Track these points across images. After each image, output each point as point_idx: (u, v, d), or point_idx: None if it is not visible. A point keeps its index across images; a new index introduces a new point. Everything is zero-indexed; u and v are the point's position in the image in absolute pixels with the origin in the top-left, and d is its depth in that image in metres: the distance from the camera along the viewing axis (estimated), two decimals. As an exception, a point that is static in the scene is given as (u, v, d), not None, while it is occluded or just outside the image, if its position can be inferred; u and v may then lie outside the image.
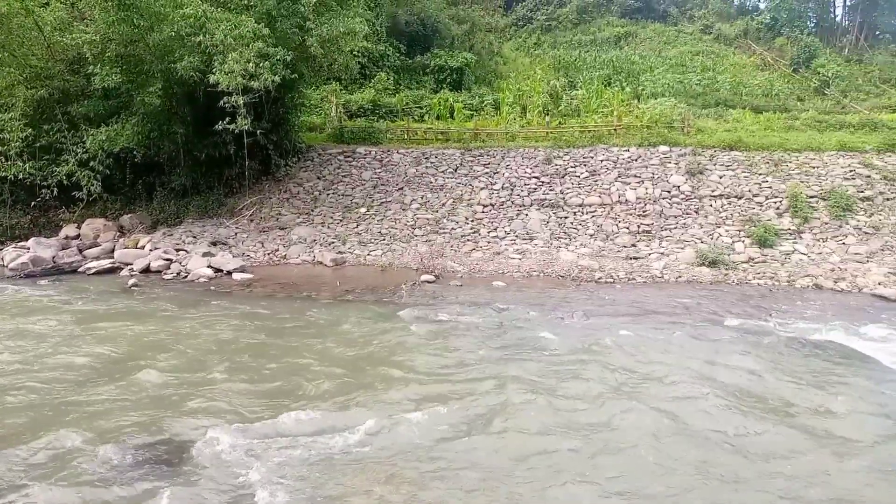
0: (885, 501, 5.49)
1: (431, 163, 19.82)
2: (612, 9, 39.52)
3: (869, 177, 17.81)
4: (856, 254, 15.40)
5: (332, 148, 20.76)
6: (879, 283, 13.82)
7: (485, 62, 30.54)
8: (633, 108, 22.91)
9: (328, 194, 19.17)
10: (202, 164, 18.55)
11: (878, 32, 36.43)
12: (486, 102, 25.41)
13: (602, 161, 18.98)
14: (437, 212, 18.24)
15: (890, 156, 18.74)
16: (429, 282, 14.18)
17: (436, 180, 19.26)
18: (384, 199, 18.85)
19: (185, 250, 16.21)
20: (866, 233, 16.13)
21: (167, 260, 15.39)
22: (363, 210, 18.50)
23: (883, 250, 15.53)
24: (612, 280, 14.45)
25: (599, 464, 5.92)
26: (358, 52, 18.82)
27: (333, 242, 17.06)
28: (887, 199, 17.13)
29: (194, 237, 17.26)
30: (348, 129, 21.60)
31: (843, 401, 7.47)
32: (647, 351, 9.25)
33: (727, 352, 9.32)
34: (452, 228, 17.72)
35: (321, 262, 15.93)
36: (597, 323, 10.91)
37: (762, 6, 37.72)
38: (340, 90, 24.37)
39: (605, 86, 27.49)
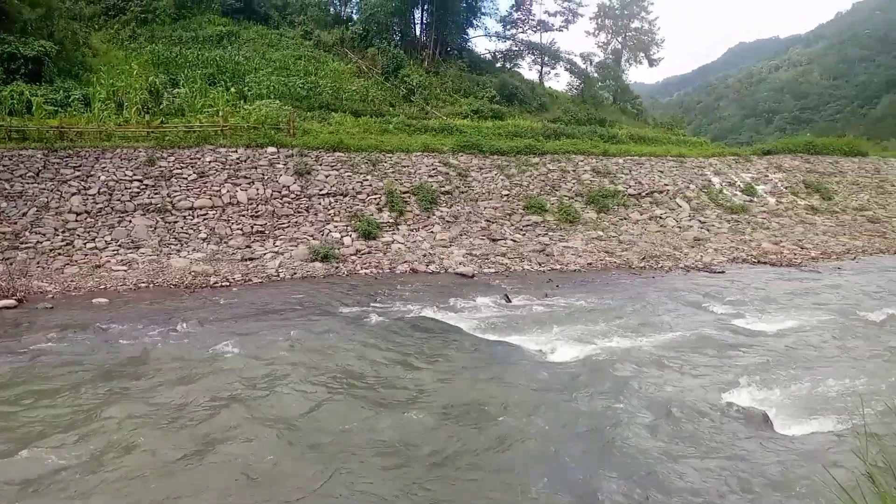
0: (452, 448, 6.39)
1: (5, 166, 16.73)
2: (214, 6, 38.57)
3: (448, 173, 20.74)
4: (441, 240, 17.79)
5: None
6: (460, 263, 16.22)
7: (69, 53, 26.92)
8: (240, 109, 22.70)
9: None
10: None
11: (449, 49, 42.53)
12: (73, 98, 22.42)
13: (210, 162, 18.37)
14: (15, 223, 15.50)
15: (462, 155, 22.09)
16: (8, 308, 11.99)
17: (11, 186, 16.32)
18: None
19: None
20: (448, 221, 18.76)
21: None
22: None
23: (461, 235, 18.25)
24: (228, 283, 14.13)
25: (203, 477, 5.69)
26: None
27: None
28: (462, 192, 20.17)
29: None
30: None
31: (428, 365, 8.51)
32: (263, 351, 9.21)
33: (339, 339, 9.83)
34: (38, 242, 15.24)
35: None
36: (211, 329, 10.50)
37: (356, 17, 40.89)
38: None
39: (209, 85, 26.65)
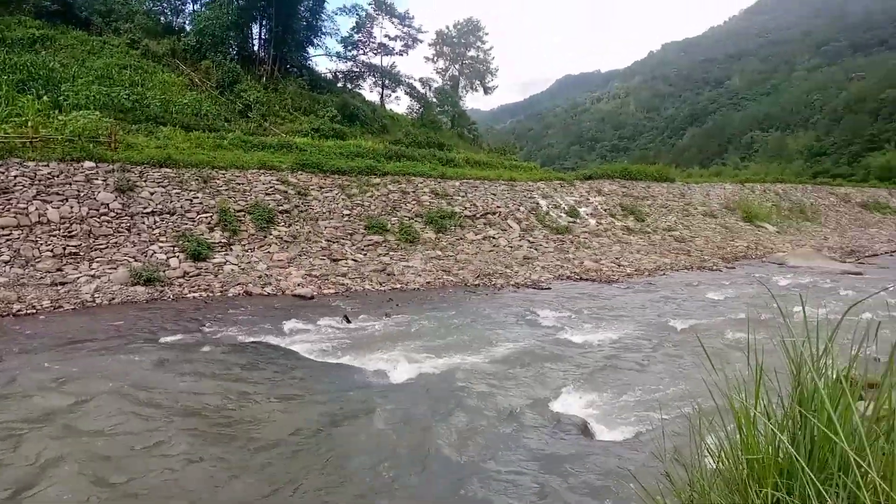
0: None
1: None
2: (26, 7, 35.02)
3: (286, 192, 20.31)
4: (279, 260, 17.34)
5: None
6: (298, 285, 15.88)
7: None
8: (53, 120, 20.73)
9: None
10: None
11: (289, 66, 41.83)
12: None
13: (17, 177, 16.54)
14: None
15: (302, 173, 21.75)
16: None
17: None
18: None
19: None
20: (286, 241, 18.34)
21: None
22: None
23: (300, 256, 17.91)
24: (35, 311, 12.75)
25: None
26: None
27: None
28: (301, 212, 19.84)
29: None
30: None
31: (260, 393, 8.23)
32: (74, 385, 8.39)
33: (162, 370, 9.22)
34: None
35: None
36: (12, 365, 9.40)
37: (189, 28, 38.99)
38: None
39: (18, 92, 24.11)
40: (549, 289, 17.56)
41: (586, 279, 19.22)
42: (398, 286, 17.09)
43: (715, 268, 22.28)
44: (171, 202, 17.77)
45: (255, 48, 40.84)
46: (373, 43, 50.54)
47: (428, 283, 17.62)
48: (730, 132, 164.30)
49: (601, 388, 8.61)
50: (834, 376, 2.23)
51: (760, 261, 24.96)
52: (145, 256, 15.86)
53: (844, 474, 1.96)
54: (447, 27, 61.73)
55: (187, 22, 40.47)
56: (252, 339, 11.19)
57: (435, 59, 62.01)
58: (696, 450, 2.58)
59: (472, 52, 62.04)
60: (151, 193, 17.74)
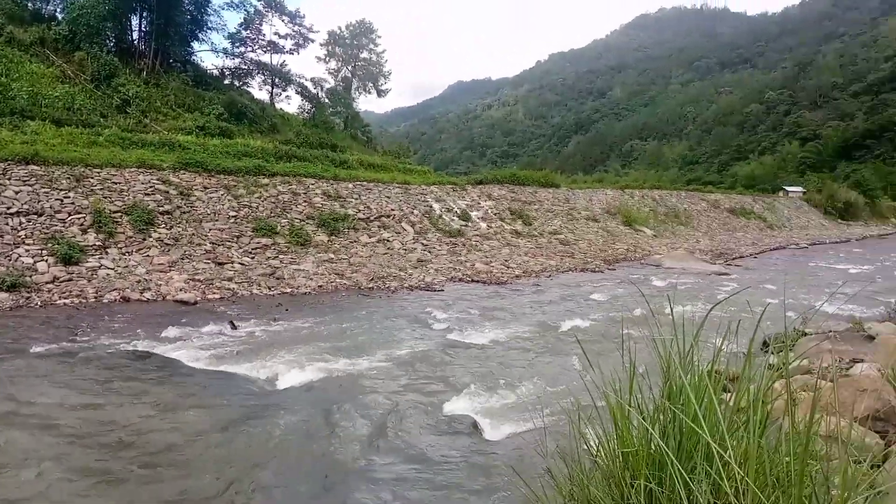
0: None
1: None
2: None
3: (167, 192, 19.34)
4: (160, 264, 16.47)
5: None
6: (181, 290, 15.15)
7: None
8: None
9: None
10: None
11: (172, 60, 39.87)
12: None
13: None
14: None
15: (184, 173, 20.79)
16: None
17: None
18: None
19: None
20: (168, 244, 17.46)
21: None
22: None
23: (183, 259, 17.10)
24: None
25: None
26: None
27: None
28: (184, 213, 18.96)
29: None
30: None
31: (137, 405, 7.78)
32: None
33: (30, 382, 8.52)
34: None
35: None
36: None
37: (61, 16, 36.28)
38: None
39: None
40: (442, 291, 17.74)
41: (478, 281, 19.57)
42: (289, 290, 16.69)
43: (597, 269, 23.33)
44: (39, 202, 16.44)
45: (135, 40, 38.62)
46: (262, 40, 49.12)
47: (320, 286, 17.32)
48: (611, 140, 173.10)
49: (490, 388, 8.78)
50: (699, 372, 2.39)
51: (639, 262, 26.38)
52: (9, 261, 14.53)
53: (708, 464, 2.10)
54: (339, 28, 61.08)
55: (59, 10, 37.62)
56: (130, 348, 10.55)
57: (327, 59, 61.18)
58: (575, 445, 2.69)
59: (364, 54, 61.70)
60: (16, 192, 16.33)
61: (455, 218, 27.22)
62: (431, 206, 27.11)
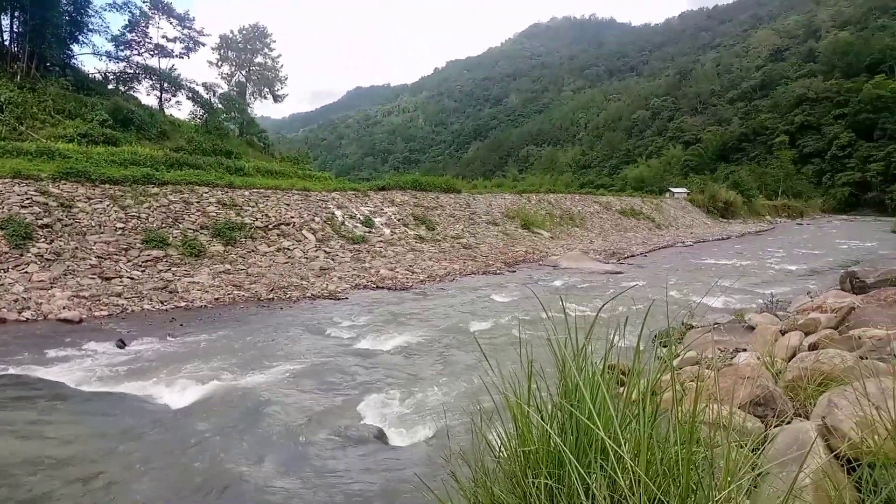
0: None
1: None
2: None
3: (47, 204, 18.07)
4: (40, 281, 15.33)
5: None
6: (64, 308, 14.16)
7: None
8: None
9: None
10: None
11: (49, 64, 37.37)
12: None
13: None
14: None
15: (65, 183, 19.51)
16: None
17: None
18: None
19: None
20: (48, 259, 16.29)
21: None
22: None
23: (66, 275, 16.00)
24: None
25: None
26: None
27: None
28: (66, 226, 17.77)
29: None
30: None
31: (22, 432, 7.22)
32: None
33: None
34: None
35: None
36: None
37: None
38: None
39: None
40: (346, 299, 17.52)
41: (382, 287, 19.48)
42: (183, 304, 15.97)
43: (498, 271, 23.79)
44: None
45: (7, 42, 35.96)
46: (149, 43, 46.99)
47: (217, 299, 16.69)
48: (509, 146, 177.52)
49: (396, 395, 8.75)
50: (593, 368, 2.47)
51: (538, 264, 27.12)
52: None
53: (604, 459, 2.17)
54: (232, 31, 59.40)
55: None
56: (9, 372, 9.76)
57: (220, 63, 59.29)
58: (478, 447, 2.71)
59: (259, 59, 60.23)
60: None
61: (358, 224, 26.99)
62: (333, 213, 26.76)
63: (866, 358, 4.79)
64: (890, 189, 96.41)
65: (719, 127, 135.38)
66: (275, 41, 59.95)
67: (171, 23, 47.27)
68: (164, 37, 48.31)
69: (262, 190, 25.70)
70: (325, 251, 23.21)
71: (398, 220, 29.47)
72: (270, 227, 23.20)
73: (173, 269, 18.39)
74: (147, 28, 46.74)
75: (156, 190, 21.78)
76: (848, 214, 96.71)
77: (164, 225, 20.20)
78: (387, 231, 27.72)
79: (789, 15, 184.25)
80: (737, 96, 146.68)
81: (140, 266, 17.92)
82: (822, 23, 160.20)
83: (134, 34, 46.16)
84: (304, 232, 24.05)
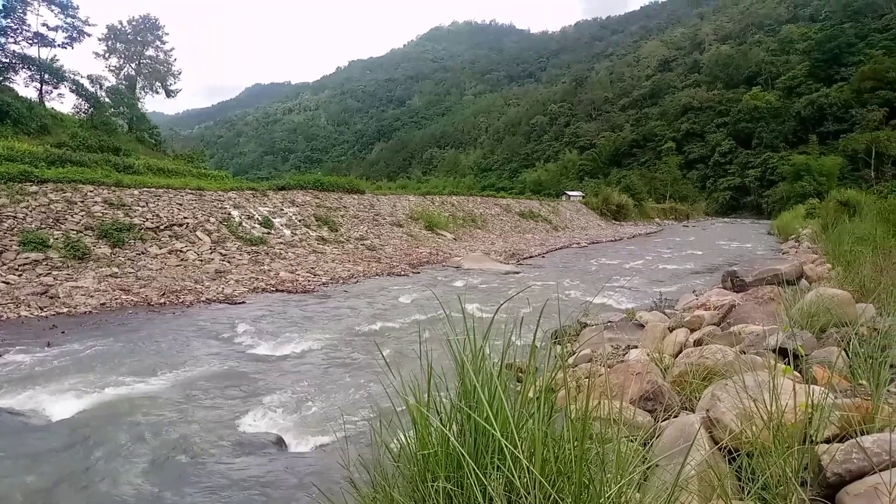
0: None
1: None
2: None
3: None
4: None
5: None
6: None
7: None
8: None
9: None
10: None
11: None
12: None
13: None
14: None
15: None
16: None
17: None
18: None
19: None
20: None
21: None
22: None
23: (-73, 280, 14.59)
24: None
25: None
26: None
27: None
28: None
29: None
30: None
31: None
32: None
33: None
34: None
35: None
36: None
37: None
38: None
39: None
40: (243, 303, 16.94)
41: (283, 290, 18.99)
42: (65, 310, 14.93)
43: (403, 273, 23.77)
44: None
45: None
46: (27, 31, 43.69)
47: (103, 304, 15.71)
48: (412, 148, 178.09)
49: (296, 400, 8.53)
50: (491, 369, 2.48)
51: (442, 265, 27.32)
52: None
53: (501, 461, 2.18)
54: (121, 22, 56.16)
55: None
56: None
57: (107, 55, 56.00)
58: (377, 452, 2.66)
59: (150, 52, 57.39)
60: None
61: (256, 225, 26.20)
62: (230, 214, 25.84)
63: (745, 353, 5.10)
64: (766, 193, 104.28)
65: (612, 133, 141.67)
66: (167, 33, 57.28)
67: (52, 10, 44.21)
68: (44, 24, 45.13)
69: (153, 189, 24.45)
70: (220, 253, 22.37)
71: (299, 221, 28.85)
72: (162, 228, 22.11)
73: (54, 272, 17.17)
74: (24, 15, 43.48)
75: (35, 188, 20.26)
76: (729, 217, 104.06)
77: (44, 226, 18.83)
78: (287, 232, 27.08)
79: (676, 28, 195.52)
80: (628, 104, 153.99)
81: (16, 270, 16.61)
82: (705, 36, 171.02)
83: (10, 21, 42.79)
84: (198, 233, 23.08)
